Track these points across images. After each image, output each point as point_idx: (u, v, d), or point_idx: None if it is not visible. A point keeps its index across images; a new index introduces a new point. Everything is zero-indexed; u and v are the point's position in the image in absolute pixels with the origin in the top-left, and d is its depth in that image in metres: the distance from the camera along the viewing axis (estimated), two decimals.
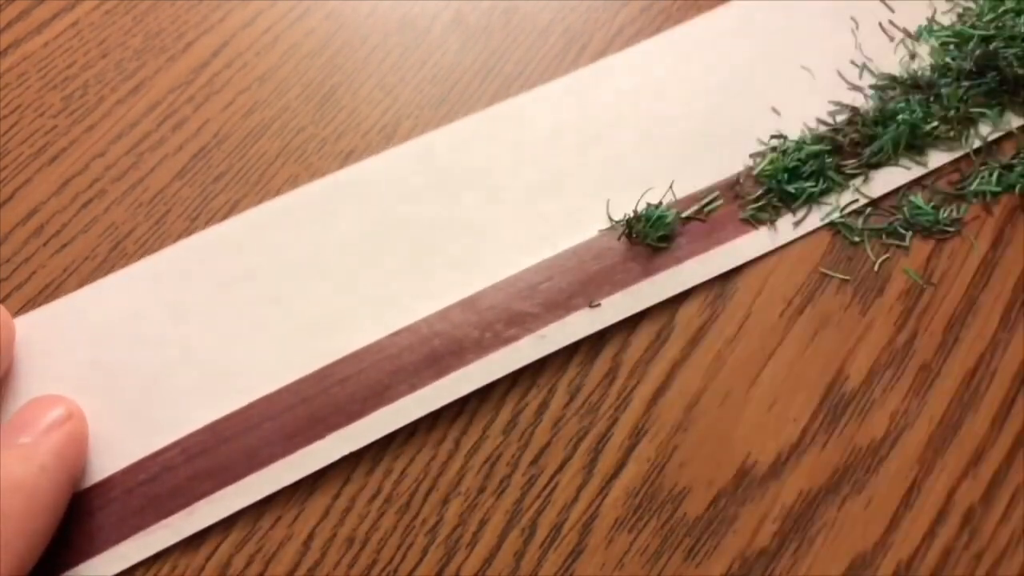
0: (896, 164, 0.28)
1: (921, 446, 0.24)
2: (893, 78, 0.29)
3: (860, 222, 0.27)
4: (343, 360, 0.24)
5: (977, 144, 0.28)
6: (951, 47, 0.30)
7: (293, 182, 0.28)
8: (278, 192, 0.27)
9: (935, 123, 0.28)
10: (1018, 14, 0.29)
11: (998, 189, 0.28)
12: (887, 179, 0.28)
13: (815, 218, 0.27)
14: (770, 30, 0.30)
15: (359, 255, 0.26)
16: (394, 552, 0.23)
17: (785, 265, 0.27)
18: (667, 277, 0.26)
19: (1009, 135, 0.28)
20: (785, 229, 0.27)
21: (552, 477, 0.24)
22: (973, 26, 0.30)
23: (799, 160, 0.27)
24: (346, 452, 0.24)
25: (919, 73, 0.29)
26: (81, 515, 0.23)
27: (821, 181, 0.27)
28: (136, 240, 0.27)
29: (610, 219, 0.27)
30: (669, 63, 0.29)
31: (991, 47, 0.29)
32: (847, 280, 0.27)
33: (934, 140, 0.28)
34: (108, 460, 0.23)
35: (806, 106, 0.29)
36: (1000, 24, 0.29)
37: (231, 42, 0.30)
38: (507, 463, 0.24)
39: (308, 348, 0.25)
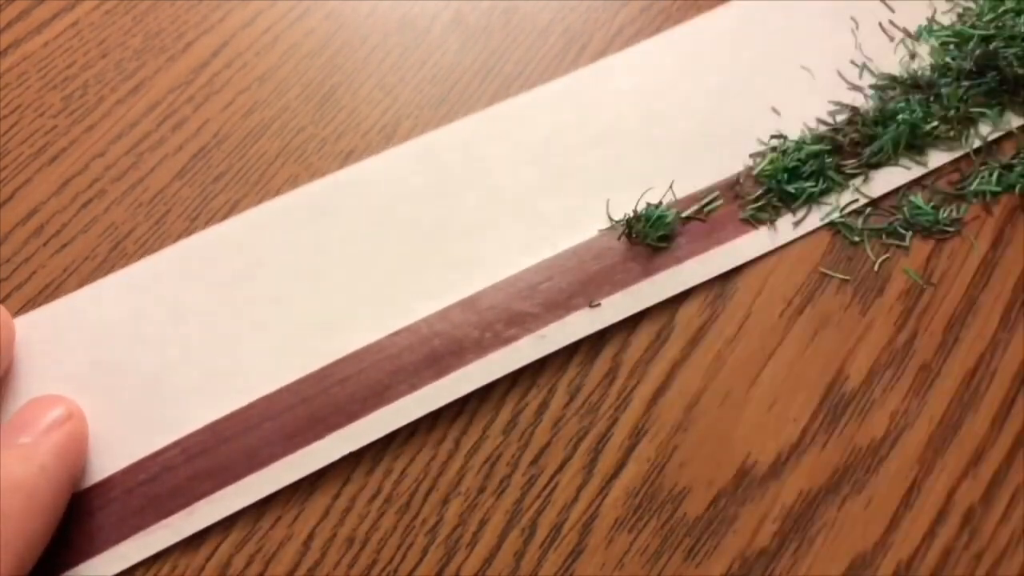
0: (896, 164, 0.28)
1: (921, 446, 0.24)
2: (893, 78, 0.29)
3: (860, 222, 0.27)
4: (343, 360, 0.24)
5: (977, 144, 0.28)
6: (951, 47, 0.30)
7: (293, 182, 0.28)
8: (278, 192, 0.27)
9: (935, 123, 0.28)
10: (1018, 14, 0.29)
11: (998, 189, 0.28)
12: (887, 179, 0.28)
13: (815, 218, 0.27)
14: (770, 30, 0.30)
15: (359, 255, 0.26)
16: (394, 552, 0.23)
17: (785, 265, 0.27)
18: (667, 277, 0.26)
19: (1009, 135, 0.28)
20: (785, 229, 0.27)
21: (552, 477, 0.24)
22: (973, 26, 0.30)
23: (799, 160, 0.27)
24: (346, 452, 0.24)
25: (919, 73, 0.29)
26: (81, 515, 0.23)
27: (821, 181, 0.27)
28: (136, 240, 0.27)
29: (610, 219, 0.27)
30: (669, 63, 0.29)
31: (991, 47, 0.29)
32: (847, 280, 0.27)
33: (934, 140, 0.28)
34: (108, 460, 0.23)
35: (806, 106, 0.29)
36: (1000, 24, 0.29)
37: (231, 42, 0.30)
38: (507, 463, 0.24)
39: (308, 348, 0.25)
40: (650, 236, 0.26)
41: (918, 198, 0.27)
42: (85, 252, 0.26)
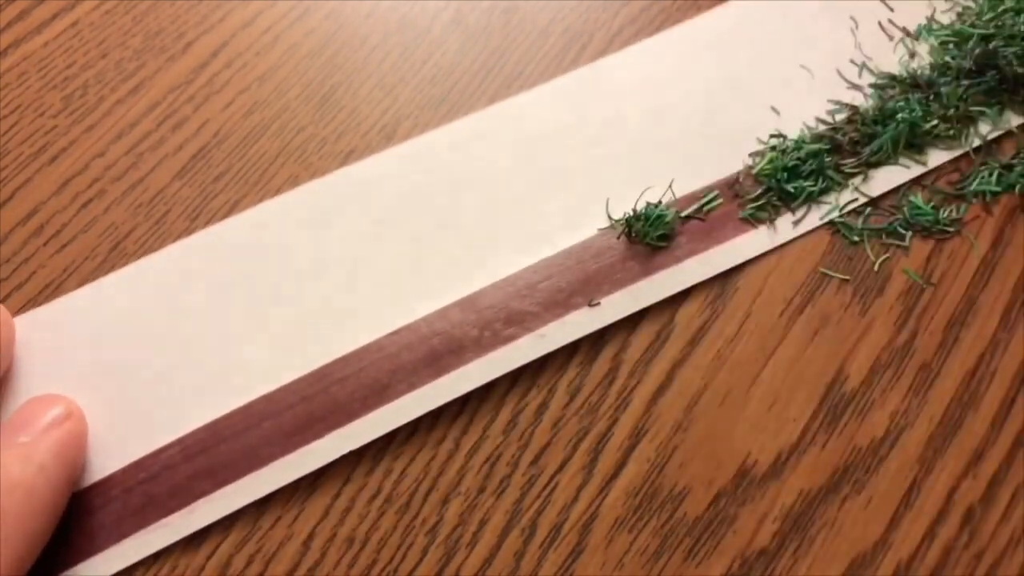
0: (896, 163, 0.28)
1: (921, 446, 0.24)
2: (892, 77, 0.29)
3: (860, 222, 0.27)
4: (343, 359, 0.24)
5: (977, 143, 0.28)
6: (950, 46, 0.30)
7: (293, 182, 0.28)
8: (278, 192, 0.27)
9: (935, 122, 0.28)
10: (1017, 13, 0.29)
11: (998, 189, 0.28)
12: (887, 178, 0.28)
13: (815, 217, 0.27)
14: (769, 29, 0.30)
15: (359, 255, 0.26)
16: (394, 552, 0.23)
17: (785, 265, 0.27)
18: (667, 276, 0.26)
19: (1009, 134, 0.28)
20: (784, 228, 0.27)
21: (552, 477, 0.24)
22: (972, 25, 0.30)
23: (798, 159, 0.27)
24: (346, 451, 0.24)
25: (918, 72, 0.29)
26: (81, 514, 0.23)
27: (820, 180, 0.27)
28: (136, 240, 0.27)
29: (609, 218, 0.27)
30: (669, 62, 0.29)
31: (991, 46, 0.29)
32: (847, 280, 0.27)
33: (934, 139, 0.28)
34: (108, 459, 0.23)
35: (805, 105, 0.29)
36: (1000, 23, 0.29)
37: (231, 42, 0.30)
38: (507, 463, 0.24)
39: (308, 348, 0.25)
40: (650, 235, 0.26)
41: (918, 198, 0.27)
42: (85, 252, 0.26)
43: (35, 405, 0.22)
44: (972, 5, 0.30)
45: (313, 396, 0.24)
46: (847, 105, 0.28)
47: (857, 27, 0.30)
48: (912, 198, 0.27)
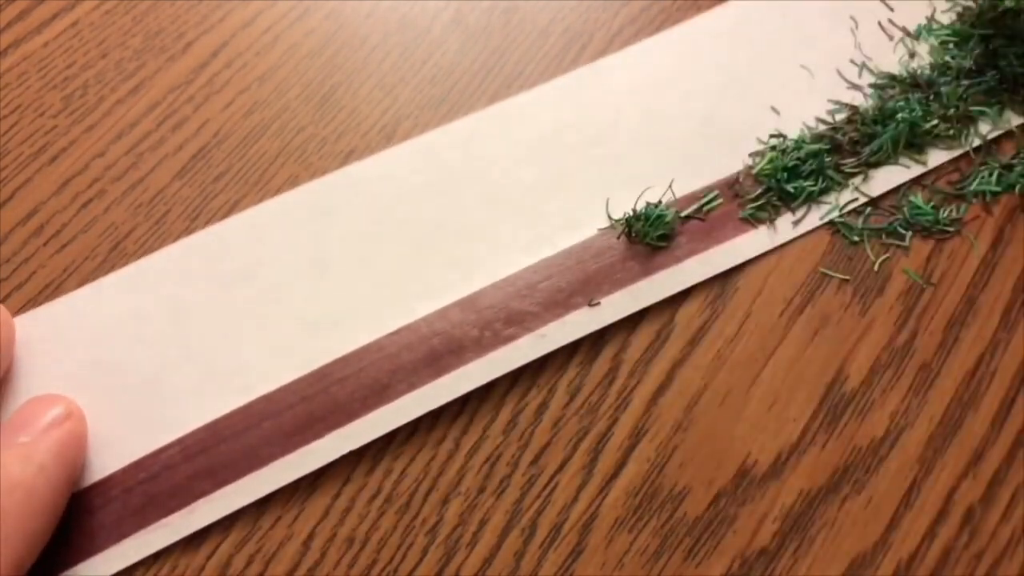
0: (896, 163, 0.28)
1: (921, 446, 0.24)
2: (892, 77, 0.29)
3: (860, 222, 0.27)
4: (342, 359, 0.24)
5: (977, 143, 0.28)
6: (951, 46, 0.30)
7: (293, 182, 0.28)
8: (278, 192, 0.27)
9: (935, 121, 0.28)
10: (1018, 13, 0.29)
11: (998, 189, 0.28)
12: (887, 178, 0.28)
13: (815, 217, 0.27)
14: (769, 29, 0.30)
15: (359, 254, 0.26)
16: (394, 552, 0.23)
17: (785, 265, 0.27)
18: (666, 276, 0.26)
19: (1009, 134, 0.28)
20: (784, 228, 0.27)
21: (552, 477, 0.24)
22: (972, 25, 0.29)
23: (798, 159, 0.27)
24: (345, 451, 0.24)
25: (918, 72, 0.29)
26: (81, 514, 0.23)
27: (820, 180, 0.27)
28: (136, 240, 0.27)
29: (609, 218, 0.27)
30: (669, 62, 0.29)
31: (991, 46, 0.29)
32: (847, 280, 0.27)
33: (934, 139, 0.28)
34: (108, 459, 0.23)
35: (805, 105, 0.29)
36: (1000, 23, 0.29)
37: (231, 42, 0.30)
38: (507, 463, 0.24)
39: (308, 347, 0.25)
40: (650, 235, 0.26)
41: (918, 198, 0.27)
42: (85, 252, 0.27)
43: (35, 405, 0.22)
44: (972, 5, 0.30)
45: (313, 396, 0.24)
46: (847, 105, 0.28)
47: (857, 27, 0.30)
48: (912, 198, 0.27)
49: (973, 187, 0.28)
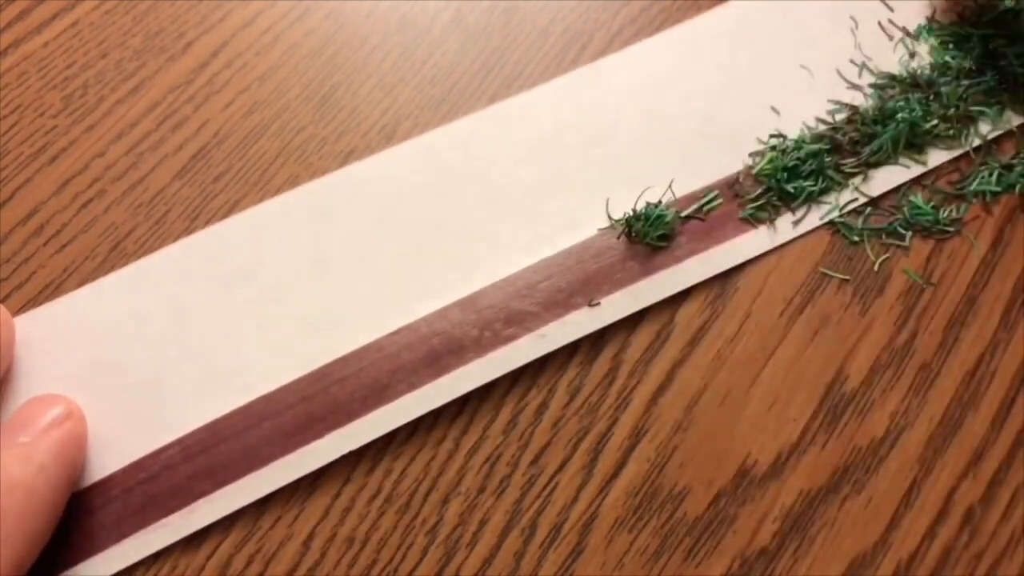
0: (896, 163, 0.28)
1: (921, 446, 0.24)
2: (892, 77, 0.29)
3: (860, 222, 0.27)
4: (342, 359, 0.24)
5: (977, 143, 0.28)
6: (951, 46, 0.30)
7: (293, 182, 0.28)
8: (278, 192, 0.27)
9: (935, 122, 0.28)
10: (1018, 13, 0.29)
11: (998, 189, 0.28)
12: (887, 178, 0.28)
13: (814, 217, 0.27)
14: (769, 29, 0.30)
15: (359, 254, 0.26)
16: (394, 552, 0.23)
17: (785, 265, 0.27)
18: (667, 276, 0.26)
19: (1009, 134, 0.28)
20: (784, 228, 0.27)
21: (552, 477, 0.24)
22: (973, 25, 0.29)
23: (798, 159, 0.27)
24: (345, 451, 0.24)
25: (918, 72, 0.29)
26: (81, 514, 0.23)
27: (820, 180, 0.27)
28: (136, 240, 0.27)
29: (609, 218, 0.27)
30: (669, 62, 0.29)
31: (991, 46, 0.29)
32: (847, 280, 0.27)
33: (934, 139, 0.28)
34: (108, 459, 0.23)
35: (805, 105, 0.29)
36: (1000, 23, 0.29)
37: (231, 42, 0.30)
38: (507, 463, 0.24)
39: (308, 347, 0.25)
40: (649, 235, 0.26)
41: (918, 198, 0.27)
42: (85, 252, 0.27)
43: (35, 405, 0.22)
44: (972, 5, 0.30)
45: (313, 396, 0.24)
46: (847, 105, 0.28)
47: (857, 27, 0.30)
48: (912, 198, 0.27)
49: (973, 187, 0.28)
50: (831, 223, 0.27)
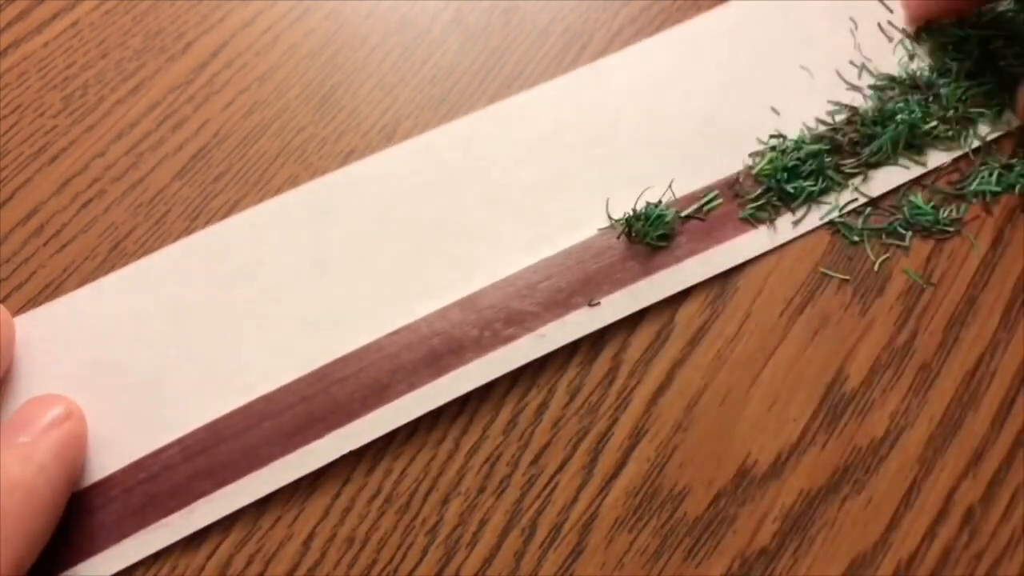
0: (895, 163, 0.28)
1: (921, 446, 0.24)
2: (892, 78, 0.29)
3: (860, 222, 0.27)
4: (342, 359, 0.24)
5: (976, 144, 0.28)
6: (950, 47, 0.30)
7: (293, 182, 0.28)
8: (278, 192, 0.27)
9: (934, 123, 0.28)
10: (1017, 14, 0.29)
11: (998, 189, 0.28)
12: (886, 178, 0.28)
13: (814, 217, 0.27)
14: (769, 30, 0.30)
15: (359, 254, 0.26)
16: (394, 552, 0.23)
17: (785, 265, 0.27)
18: (666, 276, 0.26)
19: (1008, 134, 0.28)
20: (784, 228, 0.27)
21: (552, 477, 0.24)
22: (972, 26, 0.30)
23: (798, 159, 0.27)
24: (345, 451, 0.24)
25: (918, 73, 0.29)
26: (81, 514, 0.23)
27: (820, 180, 0.27)
28: (136, 240, 0.27)
29: (609, 218, 0.27)
30: (669, 62, 0.29)
31: (990, 47, 0.29)
32: (847, 280, 0.27)
33: (933, 140, 0.28)
34: (108, 459, 0.23)
35: (805, 106, 0.29)
36: (999, 24, 0.29)
37: (231, 42, 0.30)
38: (507, 463, 0.24)
39: (308, 347, 0.25)
40: (649, 235, 0.26)
41: (918, 198, 0.27)
42: (85, 252, 0.26)
43: (35, 405, 0.22)
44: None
45: (313, 396, 0.24)
46: (847, 106, 0.28)
47: (857, 28, 0.30)
48: (912, 198, 0.27)
49: (973, 187, 0.28)
50: (831, 223, 0.27)
